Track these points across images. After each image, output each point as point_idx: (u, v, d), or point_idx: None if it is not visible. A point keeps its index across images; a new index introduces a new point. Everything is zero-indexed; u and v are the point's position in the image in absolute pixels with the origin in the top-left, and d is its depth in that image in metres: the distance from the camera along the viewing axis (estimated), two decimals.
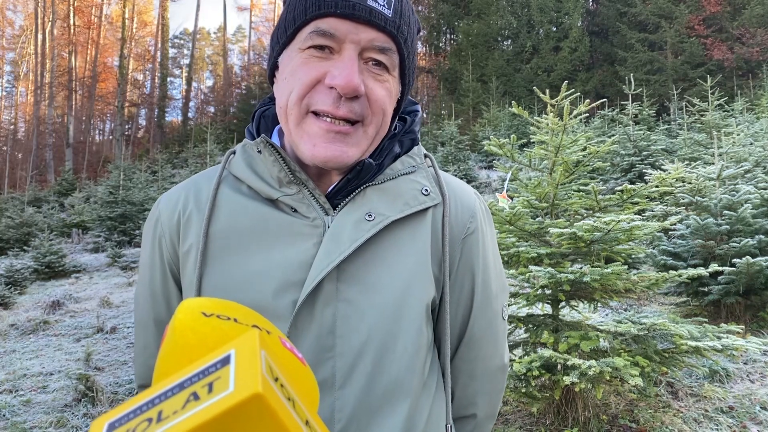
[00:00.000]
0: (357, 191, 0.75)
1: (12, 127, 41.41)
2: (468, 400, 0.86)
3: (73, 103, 35.17)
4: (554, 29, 27.45)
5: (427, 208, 0.78)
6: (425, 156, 0.84)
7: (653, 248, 5.12)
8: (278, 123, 0.82)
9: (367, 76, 0.70)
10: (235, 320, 0.40)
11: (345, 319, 0.70)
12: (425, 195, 0.78)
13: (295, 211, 0.73)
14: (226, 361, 0.30)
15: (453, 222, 0.80)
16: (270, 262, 0.71)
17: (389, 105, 0.73)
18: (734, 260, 4.10)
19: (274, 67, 0.77)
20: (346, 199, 0.74)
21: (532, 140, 3.88)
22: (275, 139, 0.81)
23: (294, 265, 0.71)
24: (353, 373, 0.70)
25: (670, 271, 2.96)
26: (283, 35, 0.72)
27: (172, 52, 44.43)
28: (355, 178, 0.75)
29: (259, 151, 0.76)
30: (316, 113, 0.70)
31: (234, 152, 0.81)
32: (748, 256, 4.04)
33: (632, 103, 10.77)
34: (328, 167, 0.71)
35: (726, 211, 4.62)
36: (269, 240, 0.73)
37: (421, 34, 0.80)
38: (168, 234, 0.79)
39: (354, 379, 0.70)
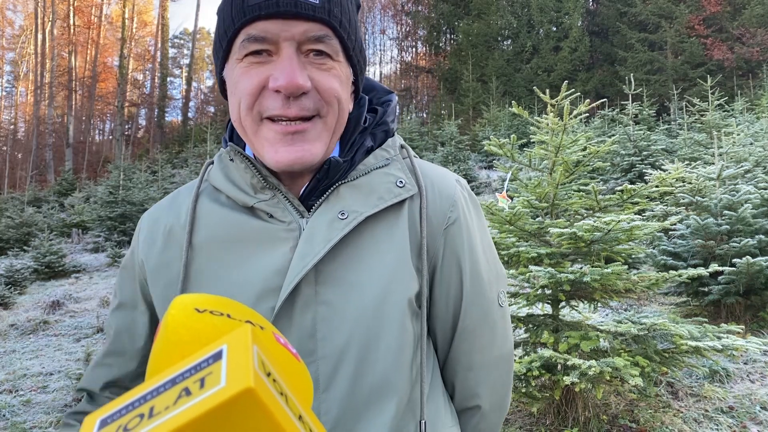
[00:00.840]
0: (330, 190, 0.74)
1: (12, 127, 41.44)
2: (469, 391, 0.84)
3: (73, 103, 35.20)
4: (554, 29, 27.46)
5: (403, 201, 0.76)
6: (401, 147, 0.82)
7: (653, 248, 5.12)
8: None
9: (311, 69, 0.68)
10: (228, 316, 0.40)
11: (325, 321, 0.69)
12: (400, 187, 0.76)
13: (272, 216, 0.73)
14: (218, 356, 0.30)
15: (432, 213, 0.78)
16: (249, 271, 0.71)
17: (342, 91, 0.72)
18: (734, 260, 4.10)
19: (222, 82, 0.76)
20: (320, 200, 0.74)
21: (532, 140, 3.87)
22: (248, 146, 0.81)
23: (271, 271, 0.70)
24: (336, 375, 0.69)
25: (670, 271, 2.96)
26: (220, 49, 0.72)
27: (172, 52, 44.48)
28: (325, 177, 0.74)
29: (231, 160, 0.76)
30: (270, 118, 0.69)
31: (212, 162, 0.81)
32: (748, 256, 4.03)
33: (632, 103, 10.77)
34: (294, 169, 0.70)
35: (726, 211, 4.62)
36: (248, 249, 0.72)
37: (360, 9, 0.79)
38: (142, 245, 0.80)
39: (338, 381, 0.69)
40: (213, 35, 0.75)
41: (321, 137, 0.71)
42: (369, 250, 0.73)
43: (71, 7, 36.53)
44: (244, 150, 0.77)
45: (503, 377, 0.87)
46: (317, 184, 0.74)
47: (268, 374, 0.29)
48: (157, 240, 0.78)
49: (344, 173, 0.75)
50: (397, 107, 0.87)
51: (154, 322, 0.81)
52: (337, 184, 0.74)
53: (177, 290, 0.73)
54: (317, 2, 0.67)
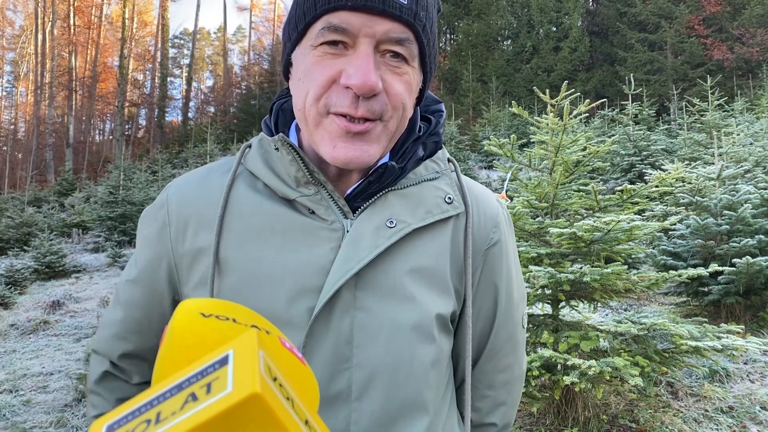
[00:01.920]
0: (378, 195, 0.72)
1: (12, 127, 41.43)
2: (487, 409, 0.84)
3: (73, 103, 35.17)
4: (554, 29, 27.45)
5: (449, 217, 0.75)
6: (449, 161, 0.80)
7: (653, 248, 5.12)
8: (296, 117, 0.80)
9: (384, 71, 0.66)
10: (234, 320, 0.40)
11: (362, 328, 0.68)
12: (448, 203, 0.74)
13: (313, 212, 0.70)
14: (224, 361, 0.30)
15: (476, 233, 0.77)
16: (285, 265, 0.69)
17: (409, 98, 0.69)
18: (734, 260, 4.11)
19: (288, 63, 0.73)
20: (367, 203, 0.71)
21: (532, 140, 3.88)
22: (293, 135, 0.78)
23: (310, 270, 0.68)
24: (370, 385, 0.67)
25: (670, 271, 2.96)
26: (294, 31, 0.69)
27: (172, 52, 44.47)
28: (377, 181, 0.72)
29: (277, 149, 0.72)
30: (334, 113, 0.66)
31: (250, 146, 0.77)
32: (748, 256, 4.04)
33: (632, 103, 10.77)
34: (349, 168, 0.68)
35: (726, 211, 4.62)
36: (285, 241, 0.70)
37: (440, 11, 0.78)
38: (174, 226, 0.75)
39: (371, 391, 0.67)
40: (285, 14, 0.71)
41: (380, 140, 0.69)
42: (410, 262, 0.71)
43: (71, 7, 36.51)
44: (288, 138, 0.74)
45: (516, 395, 0.88)
46: (367, 186, 0.72)
47: (275, 379, 0.30)
48: (188, 224, 0.74)
49: (394, 180, 0.73)
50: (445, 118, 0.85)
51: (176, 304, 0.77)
52: (386, 191, 0.72)
53: (207, 278, 0.71)
54: (405, 2, 0.64)
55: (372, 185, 0.72)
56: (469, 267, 0.75)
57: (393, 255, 0.71)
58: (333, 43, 0.65)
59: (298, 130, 0.78)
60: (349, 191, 0.73)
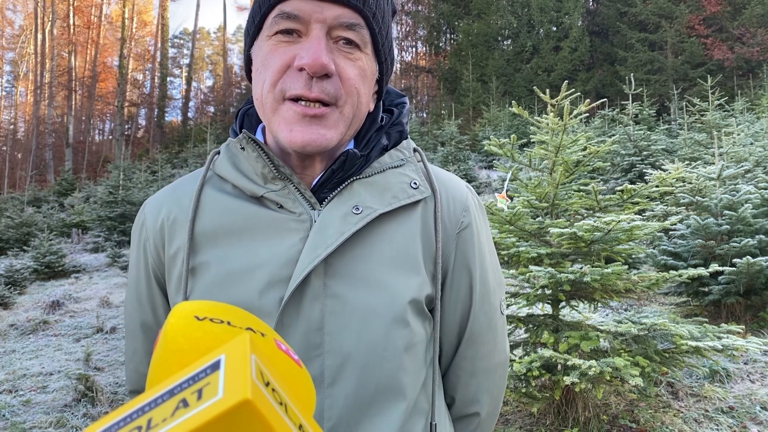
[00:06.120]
0: (344, 185, 0.73)
1: (12, 127, 41.41)
2: (470, 398, 0.84)
3: (73, 103, 35.16)
4: (554, 29, 27.44)
5: (416, 202, 0.76)
6: (414, 150, 0.82)
7: (653, 248, 5.12)
8: (261, 121, 0.82)
9: (337, 55, 0.68)
10: (229, 323, 0.40)
11: (333, 315, 0.69)
12: (414, 188, 0.75)
13: (281, 207, 0.72)
14: (215, 366, 0.30)
15: (445, 217, 0.78)
16: (255, 259, 0.70)
17: (363, 84, 0.71)
18: (734, 260, 4.10)
19: (249, 61, 0.76)
20: (333, 193, 0.73)
21: (532, 140, 3.88)
22: (259, 137, 0.80)
23: (280, 261, 0.69)
24: (343, 370, 0.68)
25: (671, 271, 2.96)
26: (252, 26, 0.72)
27: (171, 51, 44.47)
28: (340, 169, 0.73)
29: (242, 148, 0.75)
30: (290, 99, 0.69)
31: (218, 152, 0.80)
32: (748, 256, 4.03)
33: (632, 102, 10.77)
34: (307, 152, 0.70)
35: (726, 211, 4.61)
36: (255, 238, 0.71)
37: (396, 15, 0.79)
38: (152, 239, 0.78)
39: (344, 376, 0.68)
40: (247, 14, 0.75)
41: (337, 125, 0.70)
42: (379, 248, 0.72)
43: (71, 7, 36.50)
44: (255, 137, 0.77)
45: (500, 383, 0.87)
46: (331, 176, 0.74)
47: (267, 384, 0.29)
48: (164, 233, 0.77)
49: (359, 169, 0.75)
50: (409, 111, 0.87)
51: None
52: (351, 180, 0.74)
53: (182, 283, 0.73)
54: None
55: (336, 174, 0.74)
56: (439, 251, 0.75)
57: (362, 242, 0.72)
58: (287, 32, 0.68)
59: (264, 132, 0.80)
60: (314, 182, 0.75)
